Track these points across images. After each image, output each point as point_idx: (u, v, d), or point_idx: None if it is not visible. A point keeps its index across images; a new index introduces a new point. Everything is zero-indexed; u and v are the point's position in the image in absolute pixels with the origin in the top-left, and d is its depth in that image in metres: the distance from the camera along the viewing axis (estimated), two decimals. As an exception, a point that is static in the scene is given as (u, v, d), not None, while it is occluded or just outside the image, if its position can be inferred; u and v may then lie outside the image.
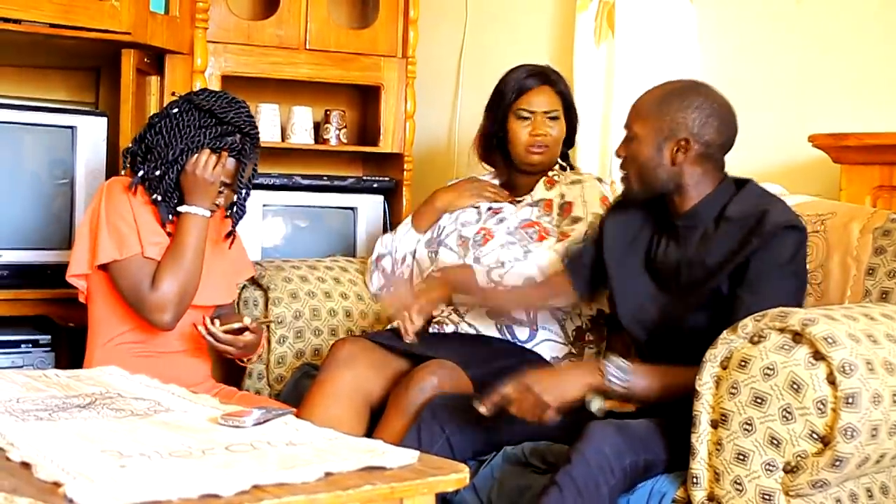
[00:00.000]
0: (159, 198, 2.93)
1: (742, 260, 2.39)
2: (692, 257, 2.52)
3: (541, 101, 3.31)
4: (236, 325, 2.85)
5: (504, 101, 3.32)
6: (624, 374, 2.39)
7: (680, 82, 2.60)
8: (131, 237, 2.88)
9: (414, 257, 3.44)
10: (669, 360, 2.34)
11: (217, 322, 2.89)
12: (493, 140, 3.38)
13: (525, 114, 3.29)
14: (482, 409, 2.45)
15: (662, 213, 2.62)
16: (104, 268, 2.92)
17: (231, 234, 3.09)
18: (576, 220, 3.17)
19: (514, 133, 3.30)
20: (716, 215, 2.51)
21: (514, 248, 3.18)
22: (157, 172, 2.91)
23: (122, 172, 3.06)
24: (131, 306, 2.91)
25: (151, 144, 2.95)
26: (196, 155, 2.90)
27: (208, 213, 2.94)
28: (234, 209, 3.03)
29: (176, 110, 2.96)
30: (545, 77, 3.34)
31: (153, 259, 2.90)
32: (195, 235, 2.91)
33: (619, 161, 2.63)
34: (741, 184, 2.56)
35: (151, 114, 3.06)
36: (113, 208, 2.90)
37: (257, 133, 3.00)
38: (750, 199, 2.52)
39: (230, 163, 2.94)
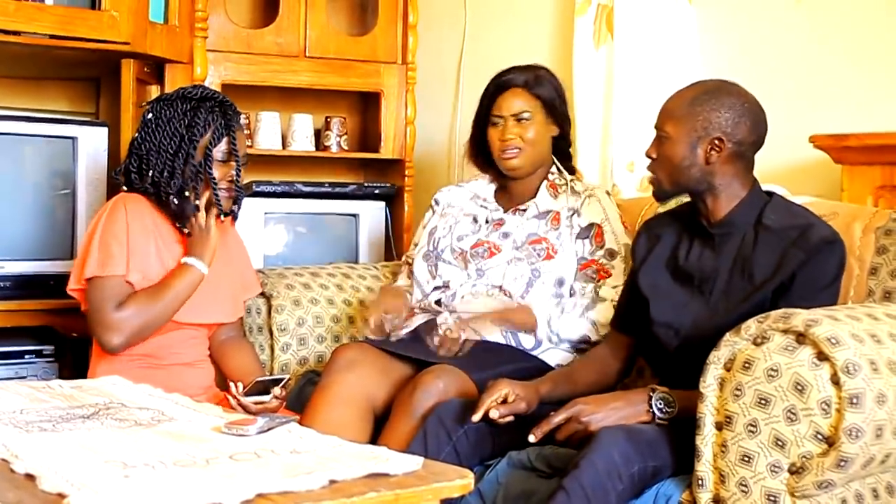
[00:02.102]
0: (177, 200, 2.94)
1: (787, 275, 2.39)
2: (732, 265, 2.51)
3: (509, 104, 3.25)
4: (266, 398, 2.82)
5: (482, 109, 3.31)
6: (670, 406, 2.42)
7: (711, 82, 2.60)
8: (119, 257, 2.87)
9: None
10: (696, 371, 2.32)
11: (241, 385, 2.84)
12: (478, 148, 3.35)
13: (496, 119, 3.25)
14: (531, 439, 2.45)
15: (693, 219, 2.62)
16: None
17: (233, 215, 3.11)
18: (612, 253, 3.13)
19: (490, 140, 3.27)
20: (753, 222, 2.51)
21: (520, 265, 3.13)
22: (166, 174, 2.92)
23: (125, 189, 3.06)
24: (89, 322, 2.89)
25: (143, 153, 2.96)
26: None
27: (206, 270, 2.93)
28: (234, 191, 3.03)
29: (151, 115, 2.99)
30: (515, 79, 3.28)
31: (132, 285, 2.89)
32: (183, 286, 2.90)
33: (649, 162, 2.62)
34: (768, 193, 2.57)
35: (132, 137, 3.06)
36: (109, 226, 2.91)
37: (230, 101, 3.03)
38: (785, 209, 2.53)
39: (223, 142, 2.95)
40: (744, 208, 2.53)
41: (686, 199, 2.65)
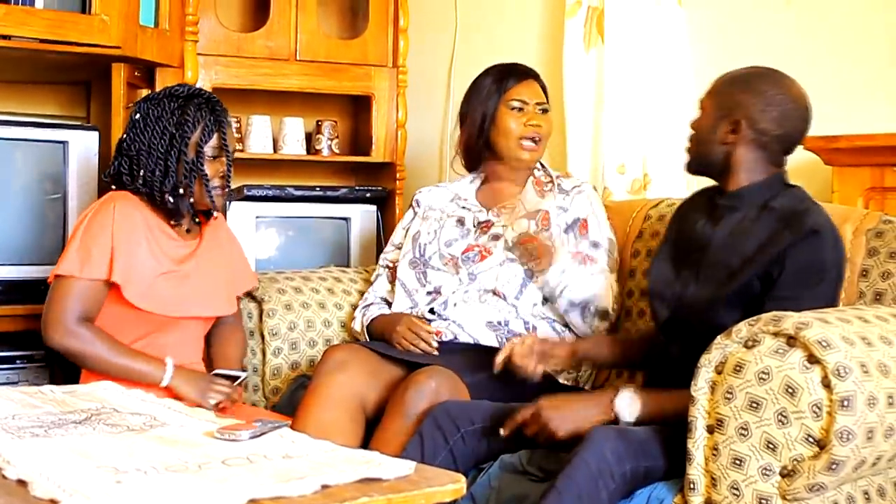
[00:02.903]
0: (171, 199, 2.93)
1: (774, 256, 2.38)
2: (725, 237, 2.52)
3: (532, 92, 3.23)
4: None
5: (492, 95, 3.22)
6: (633, 407, 2.43)
7: (763, 68, 2.59)
8: (98, 261, 2.86)
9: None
10: (684, 355, 2.32)
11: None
12: (481, 140, 3.24)
13: (517, 104, 3.19)
14: (502, 432, 2.49)
15: (711, 194, 2.64)
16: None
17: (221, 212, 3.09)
18: (595, 244, 3.12)
19: (506, 125, 3.19)
20: (761, 204, 2.50)
21: (513, 266, 3.11)
22: (158, 172, 2.91)
23: (114, 187, 3.05)
24: (45, 312, 2.88)
25: (133, 153, 2.95)
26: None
27: (164, 384, 2.84)
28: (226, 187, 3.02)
29: (138, 115, 2.97)
30: (530, 71, 3.28)
31: (118, 286, 2.87)
32: (137, 371, 2.83)
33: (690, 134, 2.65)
34: (791, 185, 2.57)
35: (118, 138, 3.05)
36: (93, 225, 2.90)
37: (217, 98, 3.02)
38: (797, 198, 2.52)
39: (213, 138, 2.94)
40: (757, 187, 2.52)
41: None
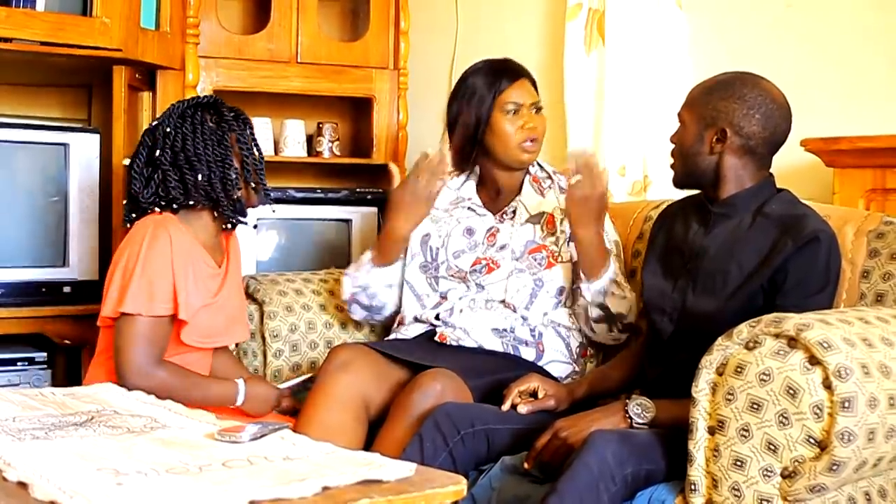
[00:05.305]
0: (222, 202, 2.90)
1: (777, 266, 2.39)
2: (721, 244, 2.52)
3: (524, 92, 3.12)
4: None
5: (484, 98, 3.11)
6: (646, 412, 2.44)
7: (735, 73, 2.60)
8: (163, 296, 2.78)
9: (400, 286, 3.27)
10: (693, 365, 2.30)
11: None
12: (475, 144, 3.15)
13: (512, 107, 3.09)
14: (526, 466, 2.50)
15: (700, 202, 2.64)
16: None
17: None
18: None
19: (502, 130, 3.10)
20: (754, 209, 2.51)
21: (522, 276, 3.07)
22: (214, 177, 2.86)
23: (151, 211, 2.95)
24: (119, 353, 2.78)
25: (182, 162, 2.87)
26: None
27: (237, 403, 2.87)
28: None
29: (170, 129, 2.89)
30: (521, 70, 3.17)
31: (184, 322, 2.83)
32: (214, 397, 2.80)
33: (672, 148, 2.64)
34: (780, 189, 2.58)
35: (137, 159, 2.96)
36: (153, 258, 2.80)
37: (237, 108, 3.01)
38: (790, 202, 2.53)
39: (250, 134, 2.96)
40: (748, 193, 2.53)
41: None
